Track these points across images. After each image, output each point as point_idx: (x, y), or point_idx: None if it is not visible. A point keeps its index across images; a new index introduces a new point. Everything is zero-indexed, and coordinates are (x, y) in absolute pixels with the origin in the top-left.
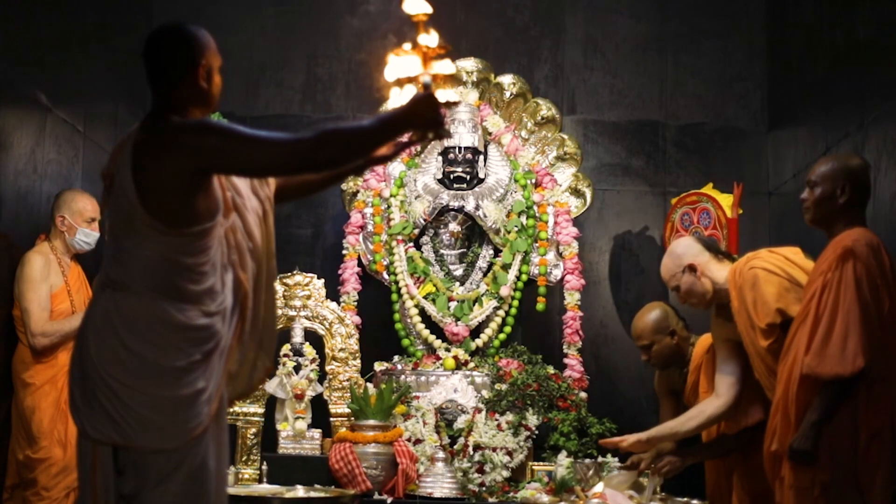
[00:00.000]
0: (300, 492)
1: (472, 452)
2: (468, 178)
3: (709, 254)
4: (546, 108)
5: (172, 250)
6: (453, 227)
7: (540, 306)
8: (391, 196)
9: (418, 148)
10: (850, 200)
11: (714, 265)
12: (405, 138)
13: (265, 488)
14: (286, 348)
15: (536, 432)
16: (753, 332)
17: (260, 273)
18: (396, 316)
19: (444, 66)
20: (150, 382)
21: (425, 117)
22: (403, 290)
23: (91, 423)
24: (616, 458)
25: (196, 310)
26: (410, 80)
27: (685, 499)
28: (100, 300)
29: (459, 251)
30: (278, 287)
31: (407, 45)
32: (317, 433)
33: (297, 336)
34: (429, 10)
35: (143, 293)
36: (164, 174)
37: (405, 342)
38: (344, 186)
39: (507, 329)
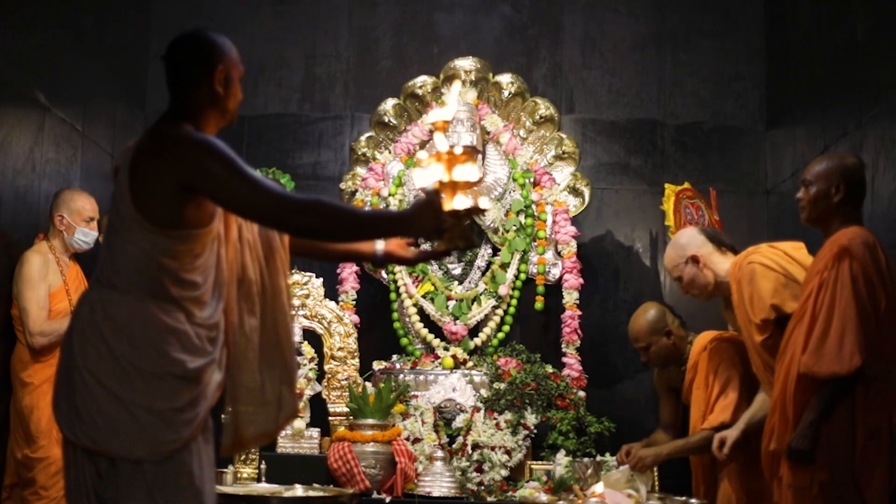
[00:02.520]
0: (299, 491)
1: (470, 451)
2: None
3: (712, 245)
4: (544, 108)
5: (156, 249)
6: None
7: (538, 305)
8: (389, 195)
9: (417, 146)
10: (845, 199)
11: (717, 257)
12: (429, 247)
13: (264, 487)
14: None
15: (535, 431)
16: (750, 326)
17: (265, 310)
18: (395, 315)
19: (467, 173)
20: (125, 387)
21: (425, 225)
22: (402, 289)
23: (66, 421)
24: (615, 457)
25: (181, 314)
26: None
27: (683, 497)
28: (88, 297)
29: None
30: None
31: (424, 153)
32: (315, 432)
33: (296, 335)
34: (449, 117)
35: (129, 291)
36: (158, 178)
37: (404, 341)
38: (342, 185)
39: (506, 328)
